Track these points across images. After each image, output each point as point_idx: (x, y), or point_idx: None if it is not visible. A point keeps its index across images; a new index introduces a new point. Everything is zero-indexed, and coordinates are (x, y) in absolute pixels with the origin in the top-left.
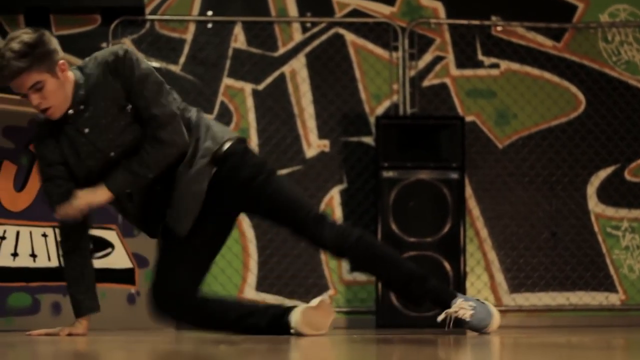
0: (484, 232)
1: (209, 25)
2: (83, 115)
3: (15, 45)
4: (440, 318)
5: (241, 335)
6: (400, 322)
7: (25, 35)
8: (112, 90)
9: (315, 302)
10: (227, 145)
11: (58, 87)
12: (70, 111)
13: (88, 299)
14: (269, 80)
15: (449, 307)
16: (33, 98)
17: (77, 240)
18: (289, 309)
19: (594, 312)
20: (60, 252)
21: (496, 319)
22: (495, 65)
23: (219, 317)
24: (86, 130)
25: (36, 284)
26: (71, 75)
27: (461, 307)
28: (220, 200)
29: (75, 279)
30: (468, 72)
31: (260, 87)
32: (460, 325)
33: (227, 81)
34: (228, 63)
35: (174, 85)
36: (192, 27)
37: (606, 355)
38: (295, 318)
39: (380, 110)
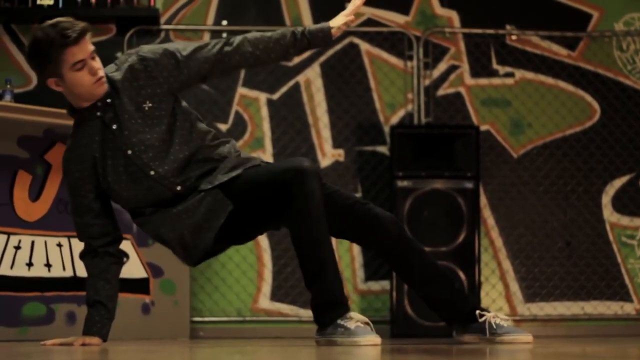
0: (498, 242)
1: (224, 35)
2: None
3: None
4: (481, 319)
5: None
6: (414, 331)
7: None
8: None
9: None
10: (251, 163)
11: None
12: (99, 103)
13: (103, 327)
14: (283, 89)
15: (477, 311)
16: (95, 63)
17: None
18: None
19: (609, 321)
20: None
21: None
22: (509, 74)
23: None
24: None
25: (51, 293)
26: None
27: (496, 314)
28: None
29: (104, 301)
30: (483, 81)
31: (275, 96)
32: (493, 332)
33: (241, 90)
34: (243, 72)
35: (189, 95)
36: (206, 37)
37: None
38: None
39: (394, 119)
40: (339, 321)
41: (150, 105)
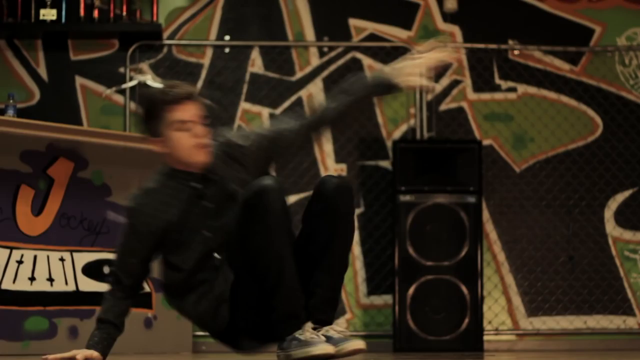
0: (501, 256)
1: (227, 50)
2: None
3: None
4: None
5: None
6: (417, 346)
7: None
8: None
9: None
10: None
11: None
12: (200, 177)
13: (107, 345)
14: (286, 104)
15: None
16: (202, 129)
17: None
18: None
19: (612, 335)
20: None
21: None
22: (512, 89)
23: None
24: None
25: (53, 308)
26: None
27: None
28: None
29: (114, 320)
30: (485, 95)
31: (278, 111)
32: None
33: (244, 105)
34: (245, 87)
35: None
36: (209, 52)
37: None
38: None
39: (397, 134)
40: (295, 334)
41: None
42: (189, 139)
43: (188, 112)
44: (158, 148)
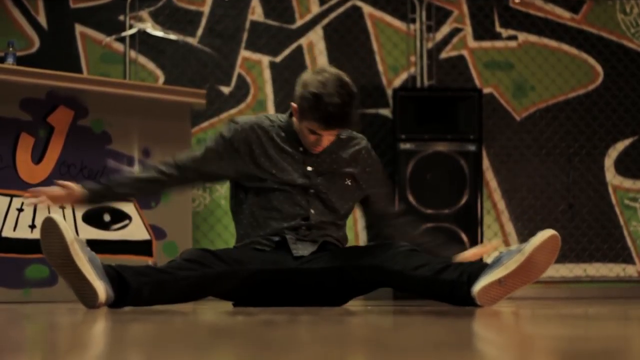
0: (501, 204)
1: None
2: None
3: (352, 93)
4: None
5: None
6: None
7: (350, 82)
8: None
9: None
10: None
11: None
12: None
13: (97, 191)
14: (286, 52)
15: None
16: (324, 141)
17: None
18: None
19: (611, 283)
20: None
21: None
22: (513, 37)
23: None
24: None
25: None
26: None
27: None
28: None
29: (111, 185)
30: (486, 44)
31: (278, 59)
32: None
33: (244, 53)
34: (245, 35)
35: (192, 57)
36: (209, 1)
37: (623, 325)
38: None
39: (397, 82)
40: None
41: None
42: (311, 138)
43: (331, 133)
44: (294, 113)
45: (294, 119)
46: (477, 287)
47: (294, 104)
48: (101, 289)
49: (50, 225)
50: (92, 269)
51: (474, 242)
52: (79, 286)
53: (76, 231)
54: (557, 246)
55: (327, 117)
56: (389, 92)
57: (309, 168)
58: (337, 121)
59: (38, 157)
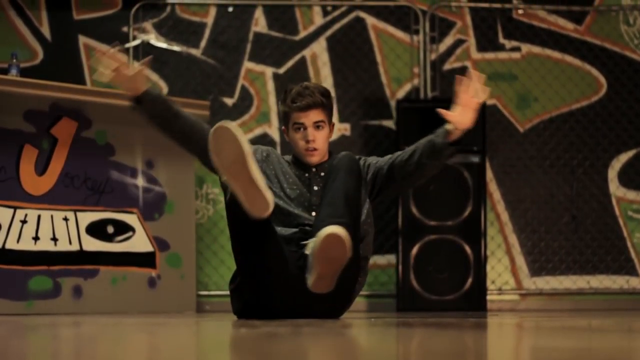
0: (504, 216)
1: (230, 9)
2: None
3: (318, 85)
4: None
5: None
6: (420, 305)
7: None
8: None
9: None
10: None
11: (327, 138)
12: (313, 170)
13: (157, 93)
14: (289, 63)
15: None
16: (311, 132)
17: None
18: None
19: (615, 295)
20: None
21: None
22: (516, 49)
23: None
24: (315, 188)
25: (57, 267)
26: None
27: None
28: None
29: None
30: (489, 55)
31: (281, 70)
32: None
33: (248, 65)
34: (249, 47)
35: (195, 69)
36: (212, 11)
37: (627, 338)
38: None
39: (401, 93)
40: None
41: None
42: (301, 140)
43: (307, 118)
44: (286, 137)
45: (287, 137)
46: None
47: (283, 128)
48: (271, 199)
49: (226, 134)
50: (263, 181)
51: (477, 253)
52: (251, 194)
53: (79, 243)
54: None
55: (296, 96)
56: (393, 103)
57: (316, 188)
58: (308, 98)
59: (41, 168)
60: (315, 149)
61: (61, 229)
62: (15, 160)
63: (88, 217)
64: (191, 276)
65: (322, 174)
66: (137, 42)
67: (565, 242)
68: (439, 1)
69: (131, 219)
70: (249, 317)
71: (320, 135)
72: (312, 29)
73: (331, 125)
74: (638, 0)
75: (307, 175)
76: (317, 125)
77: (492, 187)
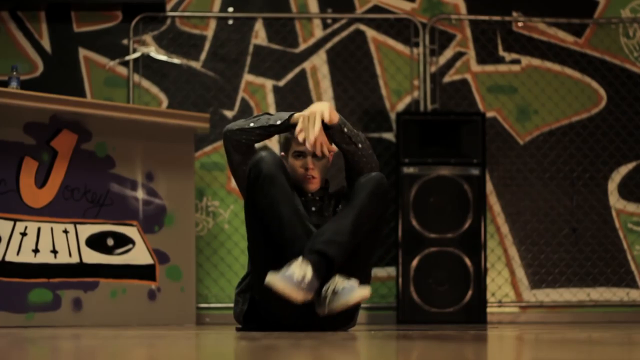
0: (504, 228)
1: (230, 22)
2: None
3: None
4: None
5: None
6: (421, 318)
7: None
8: None
9: None
10: None
11: (326, 167)
12: (309, 195)
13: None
14: (289, 76)
15: None
16: (311, 161)
17: None
18: None
19: (615, 308)
20: None
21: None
22: (516, 61)
23: None
24: (313, 209)
25: (57, 280)
26: None
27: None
28: None
29: None
30: (489, 68)
31: (281, 83)
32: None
33: (247, 77)
34: (249, 59)
35: (195, 81)
36: (213, 24)
37: (627, 350)
38: None
39: (401, 106)
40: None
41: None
42: (300, 168)
43: (303, 147)
44: (285, 162)
45: (286, 162)
46: None
47: (282, 154)
48: None
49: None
50: None
51: (477, 266)
52: None
53: (79, 255)
54: None
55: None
56: (392, 116)
57: (313, 209)
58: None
59: (41, 181)
60: (314, 177)
61: (61, 242)
62: (16, 173)
63: (88, 230)
64: (191, 289)
65: (318, 198)
66: (137, 54)
67: (565, 255)
68: (439, 14)
69: (131, 231)
70: (249, 320)
71: (320, 164)
72: (312, 41)
73: (331, 154)
74: (638, 13)
75: (303, 199)
76: (315, 156)
77: (492, 200)
